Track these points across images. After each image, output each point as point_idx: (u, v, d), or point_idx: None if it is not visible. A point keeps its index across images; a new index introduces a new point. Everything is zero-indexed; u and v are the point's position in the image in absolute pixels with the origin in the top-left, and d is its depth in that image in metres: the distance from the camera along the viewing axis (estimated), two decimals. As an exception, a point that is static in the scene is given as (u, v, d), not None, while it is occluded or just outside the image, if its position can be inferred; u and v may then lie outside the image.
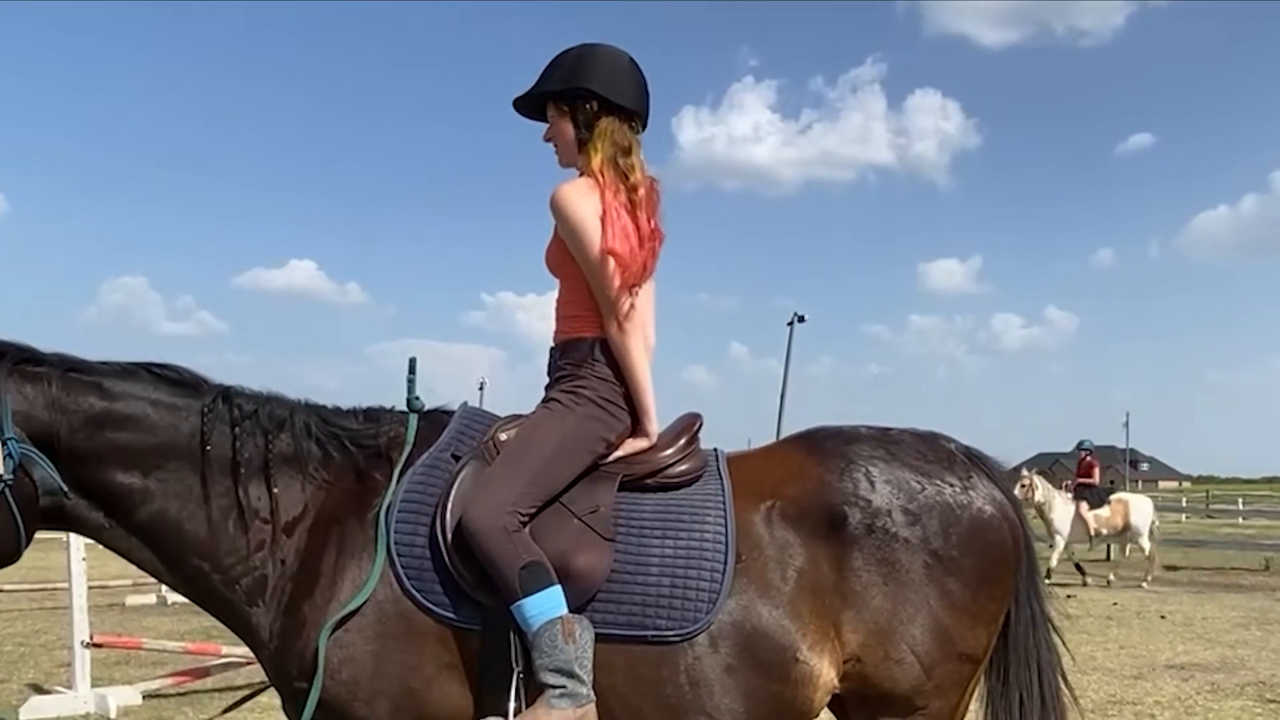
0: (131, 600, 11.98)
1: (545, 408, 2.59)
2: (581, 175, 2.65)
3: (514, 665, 2.32)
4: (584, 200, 2.55)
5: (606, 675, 2.36)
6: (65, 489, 2.33)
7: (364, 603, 2.32)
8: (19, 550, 2.32)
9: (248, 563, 2.42)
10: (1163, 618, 10.99)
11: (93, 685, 6.91)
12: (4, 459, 2.25)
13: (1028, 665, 2.74)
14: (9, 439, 2.26)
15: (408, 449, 2.53)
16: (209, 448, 2.42)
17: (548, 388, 2.66)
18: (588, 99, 2.63)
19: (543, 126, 2.74)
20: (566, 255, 2.61)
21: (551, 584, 2.32)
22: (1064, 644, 2.88)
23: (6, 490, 2.25)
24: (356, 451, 2.54)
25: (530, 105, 2.75)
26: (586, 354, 2.60)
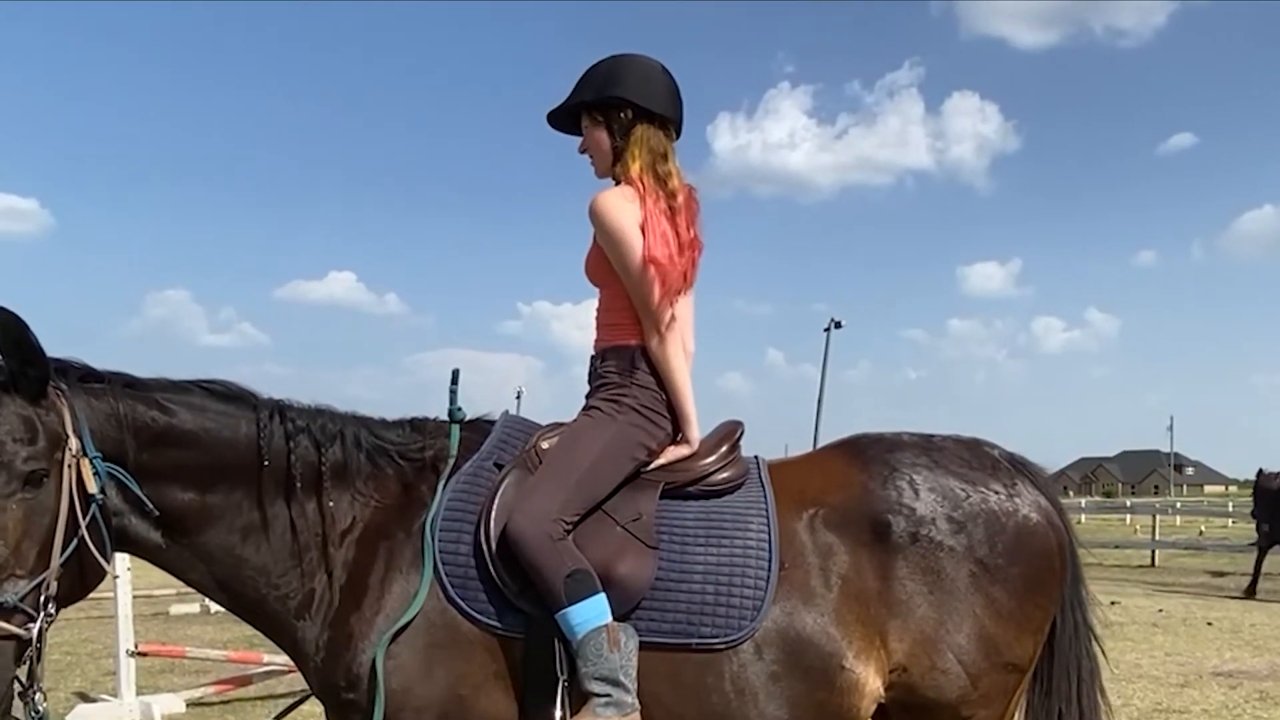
0: (175, 609, 12.15)
1: (587, 416, 2.59)
2: (619, 183, 2.65)
3: (559, 673, 2.32)
4: (624, 208, 2.55)
5: (651, 683, 2.36)
6: (152, 507, 2.29)
7: (415, 615, 2.32)
8: (107, 569, 2.25)
9: (300, 577, 2.42)
10: (1209, 624, 10.79)
11: (138, 693, 6.99)
12: (93, 477, 2.17)
13: (1068, 676, 2.71)
14: (95, 456, 2.19)
15: (452, 460, 2.53)
16: (266, 463, 2.40)
17: (589, 396, 2.67)
18: (621, 107, 2.63)
19: (578, 139, 2.74)
20: (606, 264, 2.61)
21: (596, 592, 2.32)
22: (1104, 654, 2.85)
23: (98, 509, 2.19)
24: (404, 464, 2.54)
25: (564, 120, 2.75)
26: (628, 362, 2.60)
